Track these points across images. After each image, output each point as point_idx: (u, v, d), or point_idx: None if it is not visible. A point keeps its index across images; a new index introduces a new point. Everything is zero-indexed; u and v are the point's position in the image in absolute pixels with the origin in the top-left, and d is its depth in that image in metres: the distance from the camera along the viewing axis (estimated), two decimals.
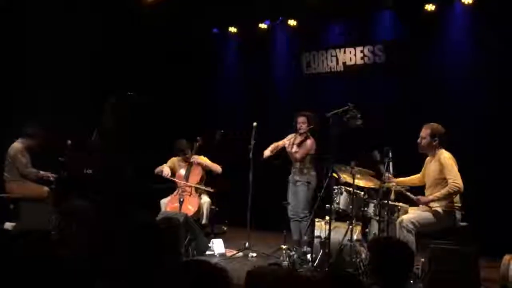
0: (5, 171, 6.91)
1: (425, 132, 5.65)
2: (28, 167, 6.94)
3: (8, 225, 6.48)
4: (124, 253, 2.95)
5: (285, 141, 6.95)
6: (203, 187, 7.19)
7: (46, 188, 6.92)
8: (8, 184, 6.87)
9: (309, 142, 6.82)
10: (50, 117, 7.68)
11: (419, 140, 5.69)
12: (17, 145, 6.92)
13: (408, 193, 5.64)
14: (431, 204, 5.49)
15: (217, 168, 7.34)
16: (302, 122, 6.85)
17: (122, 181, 7.53)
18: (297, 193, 6.82)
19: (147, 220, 3.32)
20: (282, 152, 7.06)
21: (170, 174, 7.23)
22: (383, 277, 2.76)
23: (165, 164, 7.40)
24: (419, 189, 5.83)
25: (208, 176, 7.39)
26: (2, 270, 2.63)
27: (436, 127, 5.63)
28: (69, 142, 7.17)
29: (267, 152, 7.05)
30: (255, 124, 6.93)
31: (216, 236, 7.15)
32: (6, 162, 6.90)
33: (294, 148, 6.83)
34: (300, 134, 6.85)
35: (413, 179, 5.95)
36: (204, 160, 7.36)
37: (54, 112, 7.91)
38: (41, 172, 7.02)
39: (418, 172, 5.96)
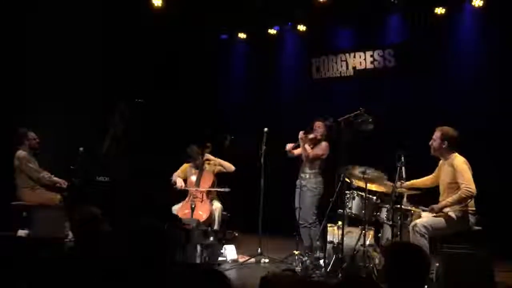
0: (15, 179, 6.93)
1: (436, 134, 5.63)
2: (40, 171, 6.95)
3: (22, 232, 6.51)
4: (131, 254, 2.95)
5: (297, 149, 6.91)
6: (216, 189, 7.21)
7: (58, 196, 6.93)
8: (20, 191, 6.89)
9: (324, 144, 6.78)
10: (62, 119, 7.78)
11: (430, 142, 5.66)
12: (21, 153, 6.92)
13: (421, 207, 5.64)
14: (445, 209, 5.45)
15: (229, 166, 7.35)
16: (318, 126, 6.83)
17: (133, 185, 7.51)
18: (304, 199, 6.78)
19: (152, 222, 3.31)
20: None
21: (183, 185, 7.25)
22: (399, 283, 2.74)
23: (176, 173, 7.42)
24: (434, 192, 5.78)
25: (219, 181, 7.40)
26: (18, 276, 2.65)
27: (447, 130, 5.60)
28: (81, 149, 7.19)
29: (289, 147, 7.00)
30: (266, 130, 6.93)
31: (228, 242, 7.13)
32: (15, 170, 6.92)
33: (307, 146, 6.80)
34: (315, 135, 6.82)
35: (427, 180, 5.91)
36: (216, 159, 7.38)
37: (66, 114, 8.01)
38: (55, 178, 7.04)
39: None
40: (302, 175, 6.88)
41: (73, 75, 8.22)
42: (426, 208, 5.57)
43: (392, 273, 2.80)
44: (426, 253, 3.21)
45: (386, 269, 2.86)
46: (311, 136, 6.82)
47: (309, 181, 6.78)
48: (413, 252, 2.81)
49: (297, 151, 6.97)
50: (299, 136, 6.80)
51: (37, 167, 6.97)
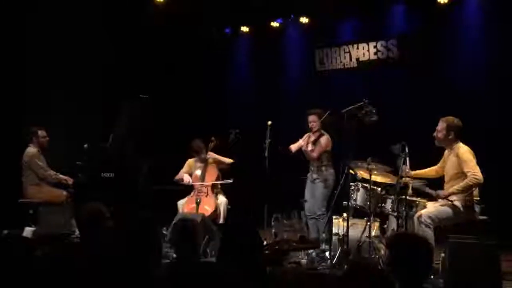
0: (22, 176, 6.97)
1: (441, 125, 5.59)
2: (46, 169, 6.99)
3: (28, 230, 6.54)
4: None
5: (301, 142, 6.90)
6: (220, 181, 7.22)
7: (64, 192, 6.96)
8: (26, 189, 6.93)
9: (323, 139, 6.78)
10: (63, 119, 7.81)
11: (435, 134, 5.63)
12: (30, 150, 6.97)
13: (427, 189, 5.59)
14: (450, 198, 5.43)
15: (228, 160, 7.34)
16: (313, 120, 6.83)
17: (139, 183, 7.54)
18: (315, 191, 6.78)
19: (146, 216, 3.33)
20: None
21: (190, 181, 7.25)
22: (403, 274, 2.74)
23: (182, 170, 7.42)
24: (438, 183, 5.77)
25: (223, 175, 7.40)
26: (23, 276, 2.66)
27: (452, 120, 5.56)
28: (86, 146, 7.22)
29: (293, 148, 6.98)
30: (269, 122, 6.92)
31: None
32: (23, 167, 6.96)
33: (310, 147, 6.80)
34: (314, 133, 6.84)
35: (431, 170, 5.89)
36: (217, 157, 7.38)
37: (67, 113, 8.05)
38: (60, 175, 7.08)
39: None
40: (313, 168, 6.88)
41: (77, 73, 8.24)
42: (433, 192, 5.53)
43: (396, 265, 2.80)
44: (430, 244, 3.21)
45: (390, 261, 2.86)
46: (312, 138, 6.82)
47: (321, 174, 6.79)
48: (416, 243, 2.81)
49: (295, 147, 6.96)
50: (303, 149, 6.78)
51: (45, 165, 7.02)
